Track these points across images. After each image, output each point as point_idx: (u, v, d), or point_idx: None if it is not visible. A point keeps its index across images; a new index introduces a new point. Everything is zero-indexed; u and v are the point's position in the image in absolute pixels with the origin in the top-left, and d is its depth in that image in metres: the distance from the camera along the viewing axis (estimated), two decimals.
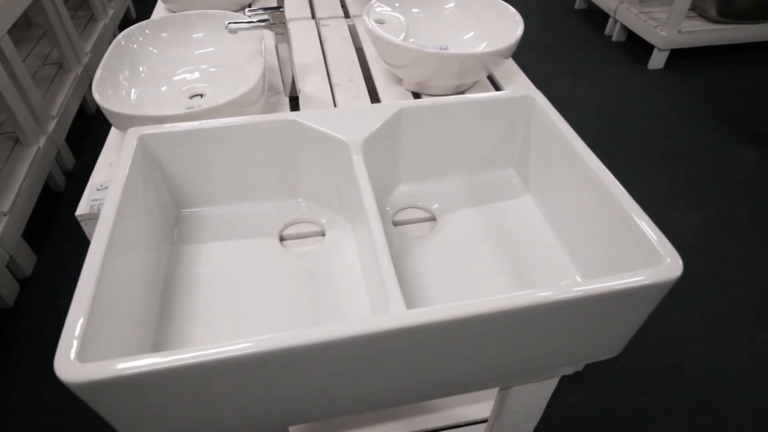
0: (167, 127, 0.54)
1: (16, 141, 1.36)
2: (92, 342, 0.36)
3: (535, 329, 0.40)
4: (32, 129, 1.36)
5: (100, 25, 1.94)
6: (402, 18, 0.89)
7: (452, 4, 0.90)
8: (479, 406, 0.79)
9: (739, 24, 1.96)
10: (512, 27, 0.83)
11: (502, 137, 0.64)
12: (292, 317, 0.51)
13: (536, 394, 0.61)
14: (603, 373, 1.06)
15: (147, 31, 0.85)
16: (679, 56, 2.12)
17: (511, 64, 0.93)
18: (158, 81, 0.83)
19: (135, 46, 0.83)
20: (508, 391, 0.60)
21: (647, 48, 2.12)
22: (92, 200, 0.65)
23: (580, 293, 0.38)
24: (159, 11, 1.14)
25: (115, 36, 2.11)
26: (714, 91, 1.93)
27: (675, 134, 1.73)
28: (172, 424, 0.40)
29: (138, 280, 0.47)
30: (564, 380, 1.05)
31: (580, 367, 0.57)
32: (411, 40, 0.88)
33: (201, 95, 0.85)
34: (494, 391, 0.81)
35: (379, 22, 0.85)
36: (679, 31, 1.93)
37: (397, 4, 0.89)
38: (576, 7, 2.52)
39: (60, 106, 1.52)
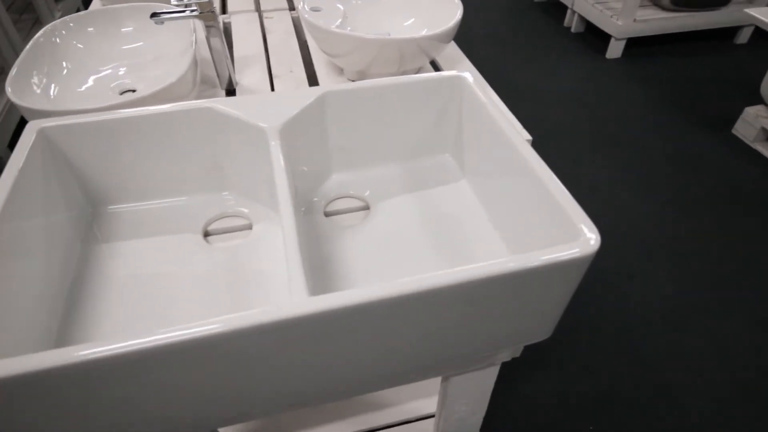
0: (71, 119, 0.51)
1: None
2: None
3: (449, 312, 0.39)
4: None
5: None
6: (341, 6, 0.87)
7: None
8: (430, 400, 0.77)
9: (691, 11, 1.99)
10: (452, 12, 0.81)
11: (436, 120, 0.62)
12: (210, 312, 0.48)
13: (477, 384, 0.59)
14: (561, 360, 1.05)
15: (71, 25, 0.81)
16: (636, 45, 2.15)
17: (455, 50, 0.91)
18: (84, 77, 0.79)
19: (58, 40, 0.79)
20: (449, 381, 0.59)
21: (605, 38, 2.14)
22: None
23: (490, 273, 0.36)
24: (95, 6, 1.10)
25: None
26: (670, 77, 1.96)
27: (633, 120, 1.75)
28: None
29: (34, 283, 0.44)
30: (521, 369, 1.04)
31: (517, 353, 0.55)
32: (348, 28, 0.85)
33: (133, 90, 0.81)
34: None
35: (315, 10, 0.83)
36: (635, 20, 1.95)
37: None
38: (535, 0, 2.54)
39: (3, 110, 1.46)
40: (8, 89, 0.64)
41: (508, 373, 1.03)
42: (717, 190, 1.47)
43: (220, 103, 0.54)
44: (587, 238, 0.39)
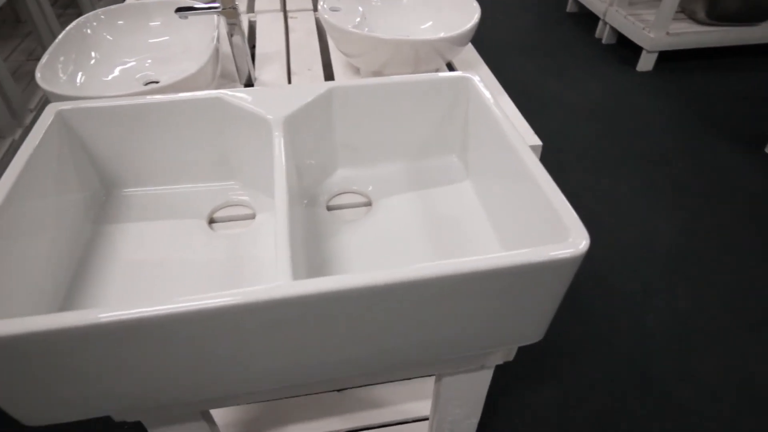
0: (87, 103, 0.53)
1: None
2: None
3: (433, 305, 0.39)
4: (7, 122, 1.36)
5: None
6: (360, 8, 0.88)
7: None
8: (427, 402, 0.76)
9: (727, 26, 1.94)
10: (470, 15, 0.82)
11: (442, 120, 0.62)
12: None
13: (470, 386, 0.59)
14: (567, 372, 1.03)
15: (102, 17, 0.84)
16: (668, 58, 2.10)
17: (473, 54, 0.92)
18: (110, 67, 0.82)
19: (89, 31, 0.82)
20: (441, 381, 0.58)
21: (637, 50, 2.10)
22: None
23: (473, 268, 0.36)
24: (129, 1, 1.14)
25: None
26: (702, 93, 1.91)
27: (661, 136, 1.71)
28: (57, 399, 0.39)
29: (42, 257, 0.46)
30: (525, 379, 1.02)
31: (510, 356, 0.55)
32: (366, 29, 0.87)
33: (156, 82, 0.84)
34: None
35: (335, 9, 0.84)
36: (667, 33, 1.91)
37: None
38: (567, 10, 2.51)
39: (39, 100, 1.53)
40: (38, 74, 0.67)
41: (511, 381, 1.01)
42: (746, 210, 1.42)
43: (230, 93, 0.55)
44: (576, 240, 0.39)
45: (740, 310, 1.15)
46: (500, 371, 1.02)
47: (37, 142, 0.48)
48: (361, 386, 0.79)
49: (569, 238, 0.39)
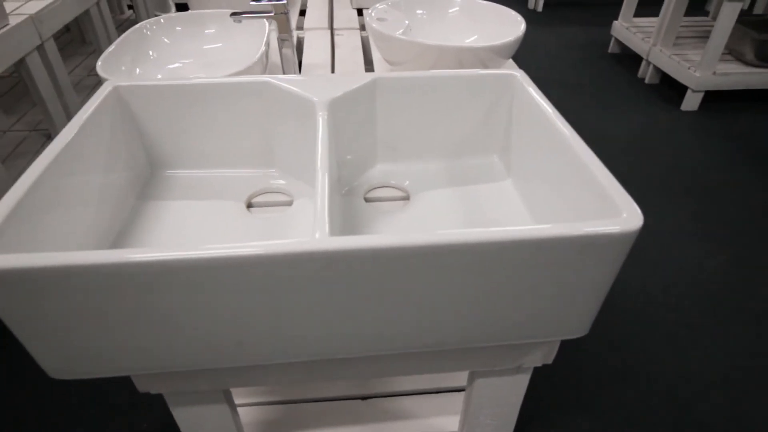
0: (143, 81, 0.55)
1: (48, 137, 1.44)
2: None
3: (472, 276, 0.37)
4: (63, 126, 1.44)
5: None
6: (406, 20, 0.91)
7: (456, 8, 0.90)
8: (455, 418, 0.72)
9: None
10: (515, 30, 0.82)
11: (484, 119, 0.62)
12: None
13: (504, 392, 0.55)
14: (604, 404, 0.97)
15: (162, 22, 0.89)
16: (714, 99, 2.05)
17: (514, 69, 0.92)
18: (165, 66, 0.86)
19: (149, 33, 0.87)
20: (473, 384, 0.55)
21: (681, 90, 2.07)
22: None
23: (514, 237, 0.35)
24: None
25: None
26: (749, 134, 1.85)
27: (705, 173, 1.65)
28: (84, 350, 0.38)
29: (86, 221, 0.47)
30: (559, 407, 0.96)
31: (549, 358, 0.52)
32: None
33: None
34: None
35: (381, 20, 0.86)
36: (714, 73, 1.88)
37: (402, 5, 0.90)
38: (609, 51, 2.52)
39: None
40: (98, 63, 0.71)
41: (545, 409, 0.96)
42: None
43: (277, 79, 0.56)
44: (629, 217, 0.37)
45: None
46: (534, 398, 0.97)
47: (92, 109, 0.50)
48: (386, 396, 0.76)
49: (623, 215, 0.37)
